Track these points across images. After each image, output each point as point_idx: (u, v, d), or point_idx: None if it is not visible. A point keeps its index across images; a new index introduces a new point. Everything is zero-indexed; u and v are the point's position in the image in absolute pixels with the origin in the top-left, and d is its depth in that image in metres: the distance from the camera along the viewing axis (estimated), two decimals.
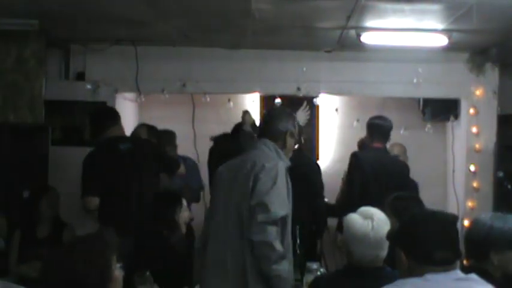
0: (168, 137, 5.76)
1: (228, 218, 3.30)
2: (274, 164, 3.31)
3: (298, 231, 3.77)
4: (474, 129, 6.14)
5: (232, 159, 3.53)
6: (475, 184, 6.10)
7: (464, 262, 3.02)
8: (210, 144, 5.79)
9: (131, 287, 3.46)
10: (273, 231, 3.15)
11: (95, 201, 4.42)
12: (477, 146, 6.14)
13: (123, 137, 4.76)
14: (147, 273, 3.70)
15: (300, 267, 3.71)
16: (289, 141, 3.50)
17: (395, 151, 5.69)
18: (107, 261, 2.18)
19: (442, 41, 5.18)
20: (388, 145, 5.41)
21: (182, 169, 4.95)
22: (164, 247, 3.87)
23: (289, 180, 3.37)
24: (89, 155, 4.59)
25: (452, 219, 2.40)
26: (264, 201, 3.17)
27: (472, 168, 6.14)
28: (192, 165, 5.88)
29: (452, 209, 6.10)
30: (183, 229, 4.13)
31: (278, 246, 3.16)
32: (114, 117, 4.74)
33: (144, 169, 4.60)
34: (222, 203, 3.37)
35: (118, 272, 2.24)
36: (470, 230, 3.03)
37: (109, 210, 4.45)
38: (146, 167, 4.63)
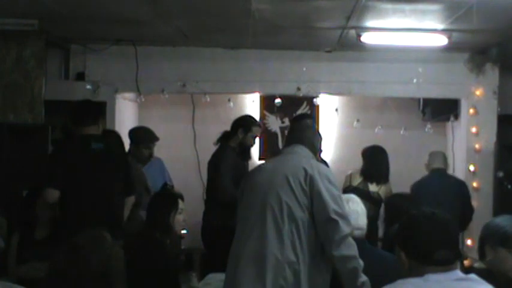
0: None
1: (266, 215, 3.14)
2: (328, 168, 3.23)
3: None
4: (474, 129, 6.15)
5: (272, 159, 3.47)
6: (475, 184, 6.11)
7: (465, 263, 3.03)
8: (210, 144, 5.77)
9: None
10: (354, 242, 3.10)
11: (55, 194, 4.22)
12: (477, 146, 6.14)
13: (97, 136, 4.52)
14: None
15: None
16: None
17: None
18: (108, 259, 2.16)
19: (442, 41, 5.18)
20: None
21: (132, 200, 4.68)
22: (157, 250, 3.80)
23: None
24: (58, 147, 4.46)
25: (452, 219, 2.40)
26: (342, 212, 3.09)
27: (472, 168, 6.14)
28: (159, 166, 5.84)
29: None
30: (179, 231, 4.02)
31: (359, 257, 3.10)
32: (96, 117, 4.52)
33: (112, 172, 4.45)
34: (260, 199, 3.19)
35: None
36: None
37: (72, 210, 4.25)
38: (114, 170, 4.47)
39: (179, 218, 3.91)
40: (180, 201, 3.96)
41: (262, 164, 3.46)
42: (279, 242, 3.09)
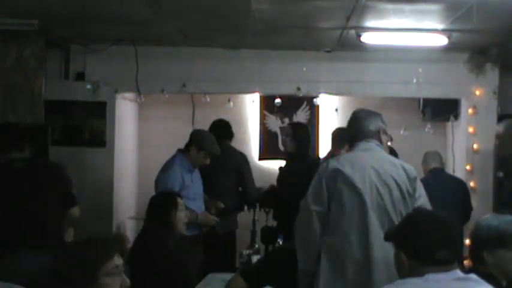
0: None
1: (383, 219, 3.08)
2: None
3: None
4: (474, 130, 6.14)
5: (350, 155, 3.31)
6: (474, 184, 6.11)
7: (465, 263, 3.01)
8: None
9: None
10: None
11: None
12: (477, 146, 6.14)
13: (21, 158, 4.03)
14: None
15: None
16: (384, 138, 3.35)
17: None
18: (94, 265, 2.11)
19: (442, 41, 5.18)
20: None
21: (76, 211, 4.22)
22: (160, 250, 3.77)
23: None
24: None
25: (452, 219, 2.40)
26: None
27: (472, 168, 6.15)
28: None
29: None
30: (183, 230, 3.98)
31: None
32: (20, 143, 4.06)
33: (41, 187, 4.02)
34: (374, 201, 3.10)
35: (111, 279, 2.10)
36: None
37: None
38: (44, 186, 4.04)
39: (181, 215, 3.86)
40: (180, 200, 3.93)
41: (349, 160, 3.24)
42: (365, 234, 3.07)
